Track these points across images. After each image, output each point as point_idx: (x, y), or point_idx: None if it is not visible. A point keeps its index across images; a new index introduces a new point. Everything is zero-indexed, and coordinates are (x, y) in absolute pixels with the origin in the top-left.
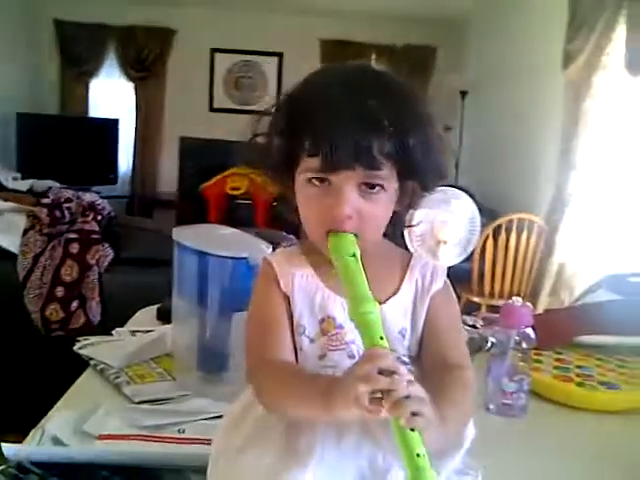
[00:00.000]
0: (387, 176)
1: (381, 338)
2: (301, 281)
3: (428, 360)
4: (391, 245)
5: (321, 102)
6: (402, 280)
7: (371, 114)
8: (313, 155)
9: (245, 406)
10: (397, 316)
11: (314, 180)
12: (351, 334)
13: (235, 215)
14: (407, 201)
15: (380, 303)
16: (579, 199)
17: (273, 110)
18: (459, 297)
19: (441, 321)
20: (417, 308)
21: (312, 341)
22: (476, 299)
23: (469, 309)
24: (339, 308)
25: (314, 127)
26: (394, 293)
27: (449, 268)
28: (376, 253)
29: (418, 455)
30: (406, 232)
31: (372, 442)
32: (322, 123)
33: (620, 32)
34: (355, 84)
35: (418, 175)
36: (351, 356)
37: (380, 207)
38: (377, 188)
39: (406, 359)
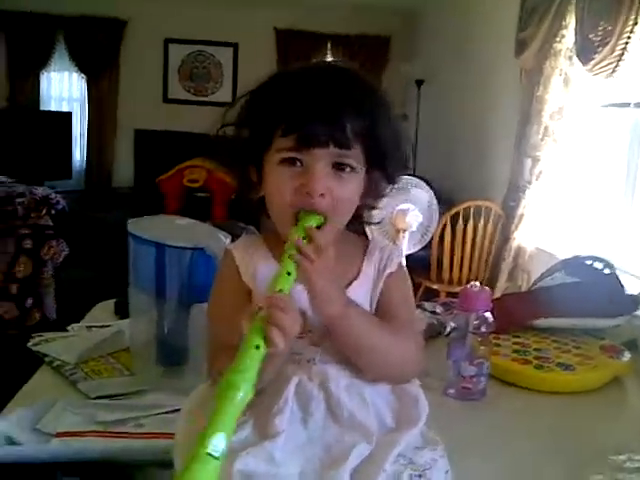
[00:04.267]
0: (357, 158)
1: None
2: (262, 272)
3: None
4: (349, 233)
5: (297, 84)
6: (362, 264)
7: (345, 95)
8: (288, 134)
9: (210, 388)
10: (359, 298)
11: (287, 162)
12: (313, 323)
13: (193, 208)
14: (370, 193)
15: (345, 287)
16: (534, 185)
17: (244, 98)
18: (418, 285)
19: (393, 300)
20: (375, 290)
21: None
22: (435, 286)
23: (428, 296)
24: (304, 299)
25: (290, 106)
26: (355, 277)
27: (408, 256)
28: (339, 238)
29: (257, 347)
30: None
31: (338, 424)
32: (298, 102)
33: (570, 19)
34: (327, 71)
35: (385, 163)
36: (314, 343)
37: (350, 189)
38: (347, 169)
39: None
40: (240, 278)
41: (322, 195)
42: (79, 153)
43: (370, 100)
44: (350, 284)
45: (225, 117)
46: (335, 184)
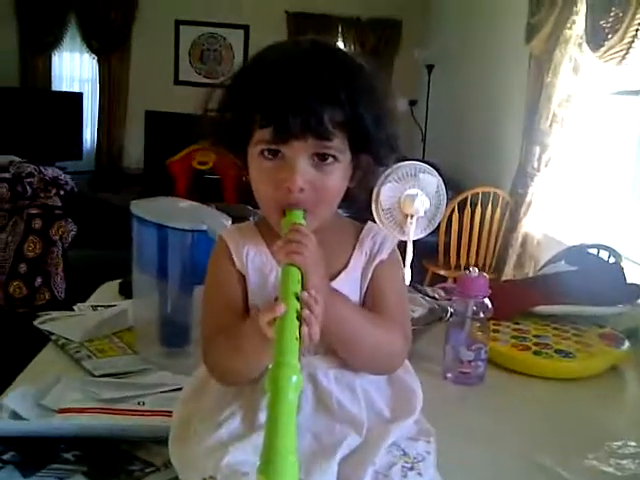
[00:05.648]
0: (339, 147)
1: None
2: (255, 260)
3: None
4: (343, 218)
5: (272, 73)
6: (353, 252)
7: (322, 84)
8: (265, 126)
9: (205, 377)
10: (347, 288)
11: (266, 153)
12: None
13: (203, 190)
14: (361, 176)
15: (332, 278)
16: (542, 172)
17: (227, 83)
18: (425, 270)
19: (382, 289)
20: (364, 278)
21: None
22: (442, 272)
23: (435, 282)
24: None
25: (265, 98)
26: (345, 266)
27: (415, 242)
28: (328, 226)
29: (296, 339)
30: (374, 207)
31: (327, 414)
32: (273, 93)
33: (581, 5)
34: (306, 56)
35: (371, 147)
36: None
37: (333, 179)
38: (330, 159)
39: None
40: (234, 264)
41: (302, 190)
42: (90, 134)
43: (352, 84)
44: (339, 272)
45: (211, 99)
46: (317, 176)
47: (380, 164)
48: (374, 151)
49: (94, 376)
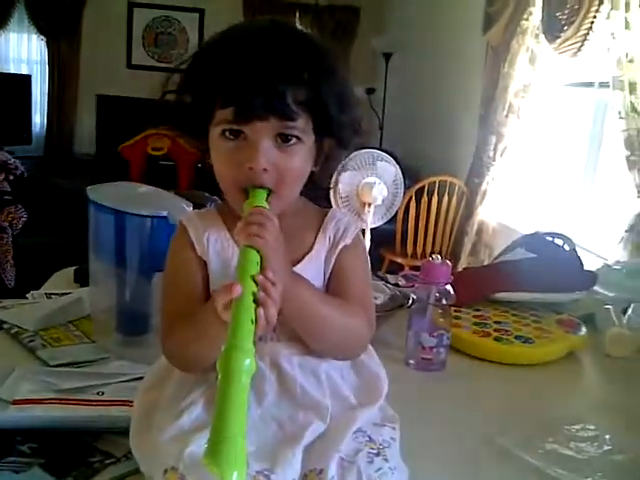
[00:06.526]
0: (303, 128)
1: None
2: (216, 245)
3: None
4: (307, 203)
5: (234, 52)
6: (316, 236)
7: (285, 63)
8: (226, 106)
9: (168, 365)
10: (310, 273)
11: (228, 133)
12: None
13: (157, 176)
14: (324, 160)
15: (295, 262)
16: (498, 162)
17: (186, 64)
18: (382, 259)
19: (345, 274)
20: (328, 262)
21: None
22: (399, 260)
23: (392, 270)
24: None
25: (227, 77)
26: (308, 251)
27: (373, 230)
28: (292, 211)
29: (252, 322)
30: (332, 195)
31: (291, 401)
32: (235, 72)
33: None
34: (267, 34)
35: (334, 130)
36: None
37: (297, 160)
38: (293, 140)
39: None
40: (194, 250)
41: (265, 170)
42: (39, 118)
43: (314, 64)
44: (302, 257)
45: (169, 83)
46: (280, 157)
47: (343, 147)
48: (337, 134)
49: (50, 366)
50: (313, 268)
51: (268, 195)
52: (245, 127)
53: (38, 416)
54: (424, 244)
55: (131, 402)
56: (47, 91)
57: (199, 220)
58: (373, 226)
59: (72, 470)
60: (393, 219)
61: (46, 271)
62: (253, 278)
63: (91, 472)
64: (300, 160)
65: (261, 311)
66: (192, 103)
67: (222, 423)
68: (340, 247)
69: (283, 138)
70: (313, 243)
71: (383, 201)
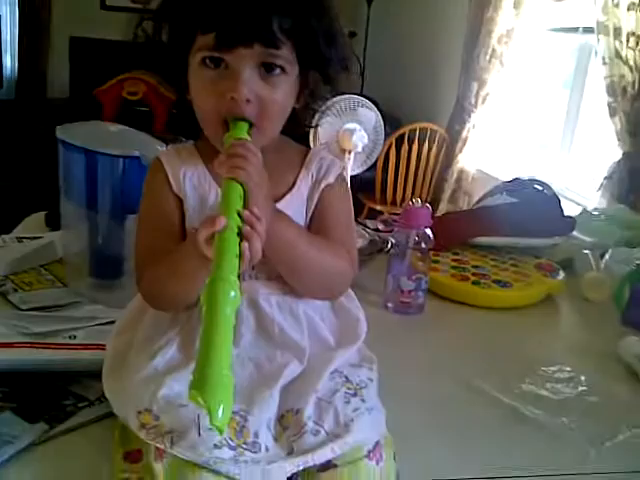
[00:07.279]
0: (287, 58)
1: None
2: (193, 180)
3: None
4: (289, 141)
5: None
6: (299, 174)
7: None
8: (208, 31)
9: (141, 307)
10: (292, 210)
11: (208, 61)
12: None
13: (132, 121)
14: (308, 95)
15: (277, 199)
16: (479, 109)
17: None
18: (362, 206)
19: (328, 213)
20: (310, 201)
21: None
22: (378, 207)
23: (372, 217)
24: None
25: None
26: (290, 187)
27: (353, 177)
28: (273, 148)
29: (236, 256)
30: (311, 141)
31: (269, 341)
32: None
33: None
34: None
35: (320, 62)
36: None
37: (280, 92)
38: (277, 70)
39: None
40: (169, 184)
41: (248, 100)
42: (9, 61)
43: None
44: (284, 194)
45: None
46: (263, 87)
47: (329, 83)
48: (323, 67)
49: (21, 310)
50: (295, 206)
51: (249, 128)
52: (227, 54)
53: (9, 360)
54: (404, 191)
55: (104, 346)
56: (17, 33)
57: (176, 155)
58: (353, 173)
59: (44, 414)
60: (373, 166)
61: (17, 215)
62: (237, 212)
63: (64, 415)
64: (283, 92)
65: (246, 244)
66: (171, 30)
67: (207, 354)
68: (323, 186)
69: (267, 67)
70: (295, 180)
71: (363, 148)
